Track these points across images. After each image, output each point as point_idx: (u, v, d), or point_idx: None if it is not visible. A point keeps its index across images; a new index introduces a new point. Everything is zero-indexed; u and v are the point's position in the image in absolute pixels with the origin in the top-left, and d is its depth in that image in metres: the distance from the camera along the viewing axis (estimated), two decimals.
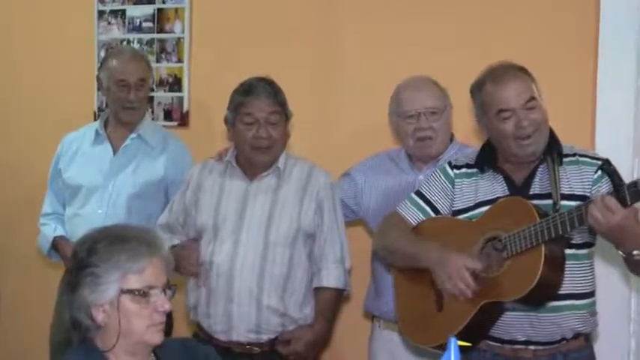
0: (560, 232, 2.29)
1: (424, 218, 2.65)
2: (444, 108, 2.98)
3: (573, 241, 2.41)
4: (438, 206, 2.64)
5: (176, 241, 3.02)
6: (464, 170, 2.62)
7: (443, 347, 2.42)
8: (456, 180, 2.62)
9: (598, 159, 2.50)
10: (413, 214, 2.67)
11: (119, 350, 1.99)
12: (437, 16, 3.41)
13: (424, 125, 2.94)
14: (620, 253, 2.33)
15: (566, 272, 2.39)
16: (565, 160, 2.50)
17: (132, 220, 3.14)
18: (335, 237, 2.97)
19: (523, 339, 2.47)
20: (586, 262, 2.50)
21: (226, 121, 3.00)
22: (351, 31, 3.57)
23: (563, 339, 2.47)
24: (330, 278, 2.94)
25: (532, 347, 2.47)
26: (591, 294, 2.52)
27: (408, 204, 2.69)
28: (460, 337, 2.36)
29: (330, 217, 2.96)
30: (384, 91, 3.11)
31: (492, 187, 2.54)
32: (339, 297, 3.00)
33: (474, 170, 2.60)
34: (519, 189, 2.50)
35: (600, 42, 3.13)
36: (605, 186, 2.42)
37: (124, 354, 2.00)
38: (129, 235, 2.03)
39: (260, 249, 2.88)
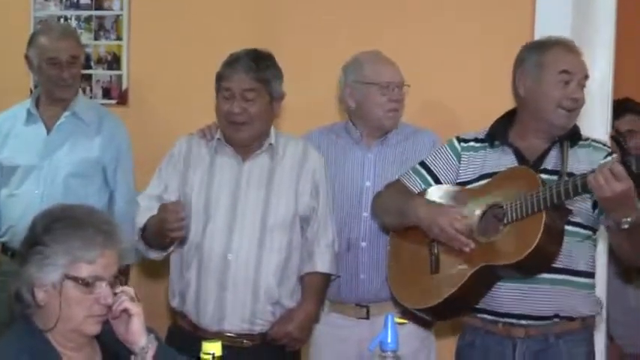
0: (563, 198, 2.33)
1: (425, 187, 2.69)
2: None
3: (571, 219, 2.45)
4: (441, 178, 2.68)
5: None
6: (471, 144, 2.67)
7: (433, 310, 2.55)
8: (463, 153, 2.66)
9: (609, 147, 2.59)
10: (414, 183, 2.71)
11: (57, 334, 1.98)
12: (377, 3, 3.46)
13: (397, 97, 2.98)
14: (608, 223, 2.39)
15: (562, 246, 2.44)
16: (579, 142, 2.56)
17: (69, 200, 3.08)
18: (328, 220, 2.88)
19: (517, 312, 2.50)
20: (585, 242, 2.53)
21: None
22: (291, 9, 3.56)
23: (556, 315, 2.50)
24: (324, 264, 2.86)
25: (524, 322, 2.51)
26: (591, 275, 2.56)
27: (411, 173, 2.74)
28: (450, 301, 2.49)
29: (324, 199, 2.87)
30: (319, 72, 3.12)
31: (499, 160, 2.58)
32: (328, 282, 2.91)
33: (483, 144, 2.64)
34: (530, 164, 2.54)
35: (536, 28, 3.20)
36: None
37: (62, 338, 1.99)
38: (88, 221, 1.99)
39: (257, 234, 2.76)
